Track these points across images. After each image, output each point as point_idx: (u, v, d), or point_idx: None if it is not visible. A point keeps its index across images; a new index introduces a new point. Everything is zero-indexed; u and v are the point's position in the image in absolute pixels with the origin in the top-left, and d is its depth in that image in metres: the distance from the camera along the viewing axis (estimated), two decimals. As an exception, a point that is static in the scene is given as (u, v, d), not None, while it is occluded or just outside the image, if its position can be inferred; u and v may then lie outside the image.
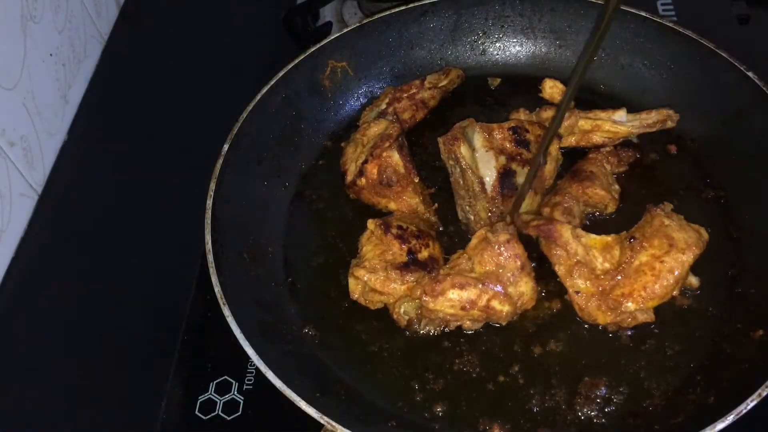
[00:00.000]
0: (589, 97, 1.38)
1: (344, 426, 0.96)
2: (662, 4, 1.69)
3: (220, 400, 1.17)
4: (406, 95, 1.38)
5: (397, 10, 1.45)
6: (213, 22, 1.61)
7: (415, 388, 1.07)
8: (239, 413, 1.16)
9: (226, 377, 1.20)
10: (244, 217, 1.23)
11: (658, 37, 1.36)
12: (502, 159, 1.19)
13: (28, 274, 0.98)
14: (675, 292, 1.08)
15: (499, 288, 1.07)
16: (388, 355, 1.11)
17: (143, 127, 1.31)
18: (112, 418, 1.13)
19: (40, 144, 1.04)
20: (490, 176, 1.18)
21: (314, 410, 0.96)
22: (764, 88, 1.22)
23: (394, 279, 1.10)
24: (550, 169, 1.23)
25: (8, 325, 0.94)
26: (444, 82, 1.41)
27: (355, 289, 1.14)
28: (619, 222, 1.22)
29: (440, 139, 1.21)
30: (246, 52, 1.67)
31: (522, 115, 1.32)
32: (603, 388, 1.04)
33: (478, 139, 1.19)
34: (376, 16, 1.45)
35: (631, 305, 1.06)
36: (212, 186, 1.19)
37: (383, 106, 1.37)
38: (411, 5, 1.45)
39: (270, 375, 0.99)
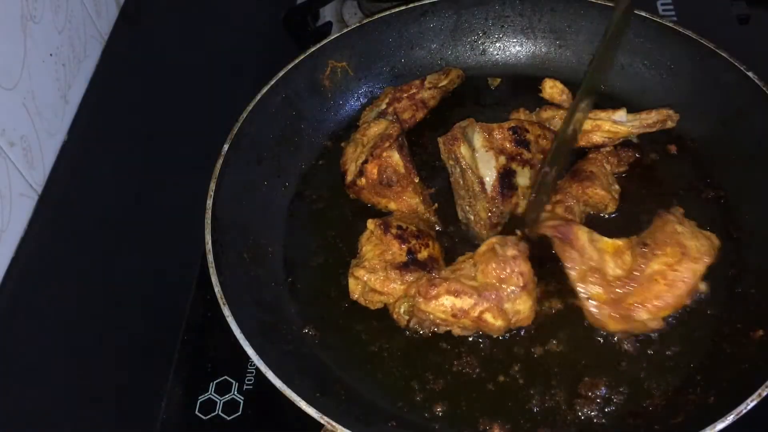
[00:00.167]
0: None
1: (344, 426, 0.95)
2: (662, 4, 1.69)
3: (220, 400, 1.17)
4: (406, 95, 1.38)
5: (397, 10, 1.45)
6: (213, 22, 1.61)
7: (415, 388, 1.07)
8: (239, 413, 1.16)
9: (226, 377, 1.19)
10: (244, 217, 1.23)
11: (658, 37, 1.36)
12: (502, 159, 1.19)
13: (28, 274, 0.98)
14: (687, 301, 1.07)
15: (494, 302, 1.05)
16: (388, 355, 1.11)
17: (143, 127, 1.31)
18: (112, 418, 1.13)
19: (40, 144, 1.04)
20: (490, 176, 1.18)
21: (314, 410, 0.96)
22: (764, 88, 1.22)
23: (393, 279, 1.10)
24: (550, 169, 1.23)
25: (8, 325, 0.94)
26: (444, 82, 1.41)
27: (355, 289, 1.14)
28: (619, 222, 1.22)
29: (440, 139, 1.21)
30: (246, 52, 1.67)
31: (522, 115, 1.32)
32: (603, 388, 1.04)
33: (478, 139, 1.19)
34: (376, 16, 1.45)
35: (643, 314, 1.04)
36: (212, 186, 1.19)
37: (383, 106, 1.37)
38: (411, 5, 1.45)
39: (270, 375, 0.99)
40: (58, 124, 1.09)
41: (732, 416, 0.91)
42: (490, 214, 1.18)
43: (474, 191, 1.18)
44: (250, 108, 1.30)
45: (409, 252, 1.12)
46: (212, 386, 1.19)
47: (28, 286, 0.98)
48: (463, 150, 1.18)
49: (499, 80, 1.47)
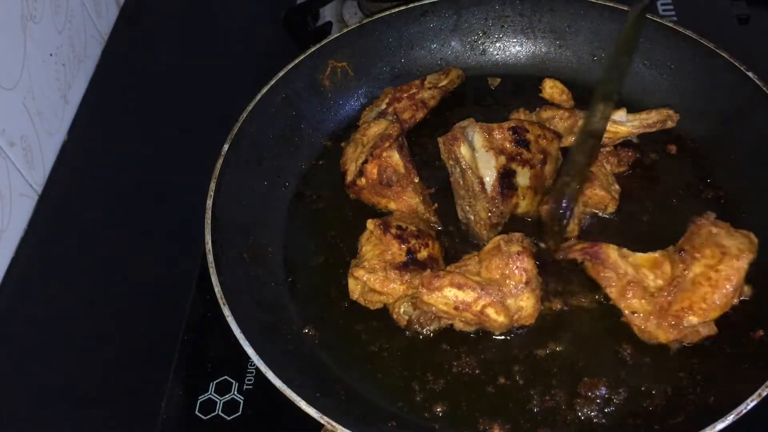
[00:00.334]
0: (589, 97, 1.38)
1: (344, 426, 0.96)
2: (662, 4, 1.69)
3: (220, 400, 1.17)
4: (406, 95, 1.38)
5: (397, 10, 1.45)
6: (213, 22, 1.61)
7: (415, 388, 1.07)
8: (239, 413, 1.16)
9: (226, 377, 1.20)
10: (244, 217, 1.23)
11: (658, 37, 1.36)
12: (502, 159, 1.19)
13: (28, 274, 0.98)
14: (735, 301, 1.04)
15: (497, 297, 1.06)
16: (388, 355, 1.11)
17: (143, 127, 1.31)
18: (112, 418, 1.13)
19: (40, 144, 1.04)
20: (490, 176, 1.18)
21: (314, 410, 0.96)
22: (764, 88, 1.22)
23: (393, 279, 1.10)
24: (549, 169, 1.23)
25: (8, 325, 0.94)
26: (444, 82, 1.41)
27: (354, 289, 1.14)
28: (619, 222, 1.22)
29: (440, 139, 1.21)
30: (246, 52, 1.67)
31: (522, 115, 1.32)
32: (603, 388, 1.04)
33: (478, 139, 1.19)
34: (376, 16, 1.45)
35: (693, 319, 1.02)
36: (212, 186, 1.19)
37: (383, 106, 1.37)
38: (411, 5, 1.45)
39: (270, 375, 0.99)
40: (58, 124, 1.09)
41: (732, 416, 0.91)
42: (490, 214, 1.18)
43: (474, 191, 1.18)
44: (250, 108, 1.30)
45: (409, 252, 1.12)
46: (212, 386, 1.19)
47: (28, 286, 0.98)
48: (463, 150, 1.18)
49: (499, 80, 1.47)
